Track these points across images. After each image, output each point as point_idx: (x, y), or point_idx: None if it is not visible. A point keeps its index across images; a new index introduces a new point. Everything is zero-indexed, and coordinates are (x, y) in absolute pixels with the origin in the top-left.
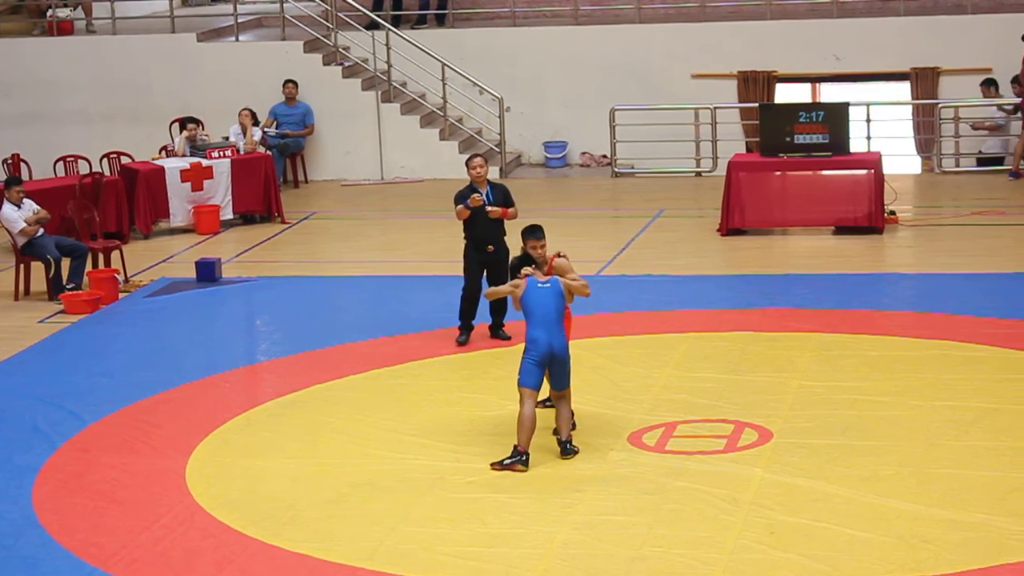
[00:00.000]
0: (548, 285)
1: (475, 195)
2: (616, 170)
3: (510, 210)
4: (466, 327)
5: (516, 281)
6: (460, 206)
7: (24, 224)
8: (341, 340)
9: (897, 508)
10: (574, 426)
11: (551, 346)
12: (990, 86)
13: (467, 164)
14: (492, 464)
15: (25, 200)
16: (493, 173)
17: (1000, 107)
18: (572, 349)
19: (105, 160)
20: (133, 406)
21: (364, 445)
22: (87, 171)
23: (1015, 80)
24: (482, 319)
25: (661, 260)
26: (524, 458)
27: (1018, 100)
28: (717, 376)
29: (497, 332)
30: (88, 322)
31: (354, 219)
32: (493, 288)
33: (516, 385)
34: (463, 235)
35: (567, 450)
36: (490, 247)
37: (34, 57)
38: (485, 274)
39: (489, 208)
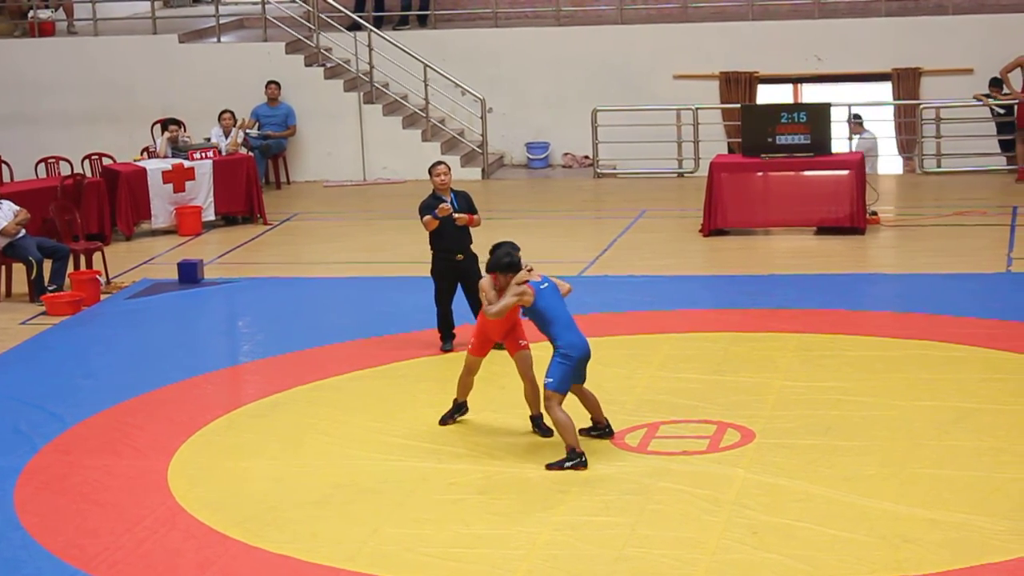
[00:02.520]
0: (547, 285)
1: (443, 204)
2: (598, 171)
3: (475, 217)
4: (448, 336)
5: (522, 289)
6: (428, 217)
7: (5, 224)
8: (324, 341)
9: (879, 508)
10: (551, 432)
11: (585, 349)
12: (995, 86)
13: (430, 172)
14: (548, 465)
15: (3, 201)
16: (475, 174)
17: (992, 108)
18: (552, 349)
19: (87, 161)
20: (115, 408)
21: (347, 446)
22: (69, 172)
23: (995, 83)
24: (462, 320)
25: (643, 261)
26: (584, 457)
27: (1015, 101)
28: (699, 377)
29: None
30: (70, 324)
31: (337, 220)
32: (501, 306)
33: (545, 389)
34: (429, 247)
35: (608, 432)
36: (459, 256)
37: (15, 58)
38: (459, 284)
39: (456, 216)
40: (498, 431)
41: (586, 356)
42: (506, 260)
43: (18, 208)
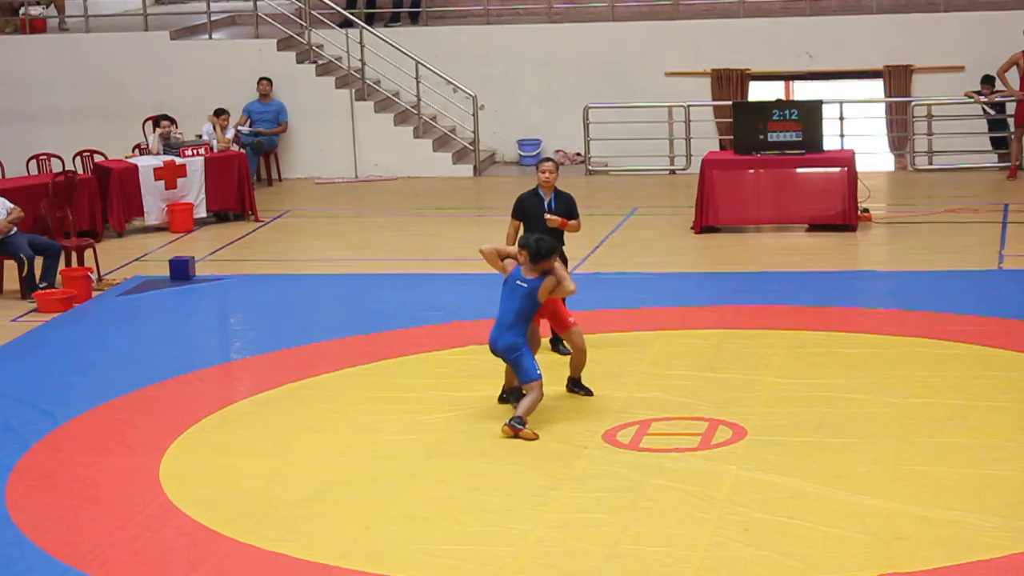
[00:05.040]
0: (525, 285)
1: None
2: (590, 168)
3: (571, 222)
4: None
5: (509, 263)
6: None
7: None
8: (315, 338)
9: (871, 505)
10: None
11: (494, 345)
12: (986, 83)
13: (536, 167)
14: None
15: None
16: (467, 171)
17: (983, 106)
18: (544, 345)
19: (78, 158)
20: (107, 405)
21: (339, 443)
22: (60, 169)
23: (987, 80)
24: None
25: (635, 258)
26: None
27: (1011, 98)
28: (691, 374)
29: (558, 347)
30: (61, 321)
31: (328, 217)
32: (490, 249)
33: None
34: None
35: (517, 422)
36: None
37: (6, 55)
38: None
39: (548, 216)
40: (490, 428)
41: (492, 351)
42: (537, 246)
43: (12, 206)
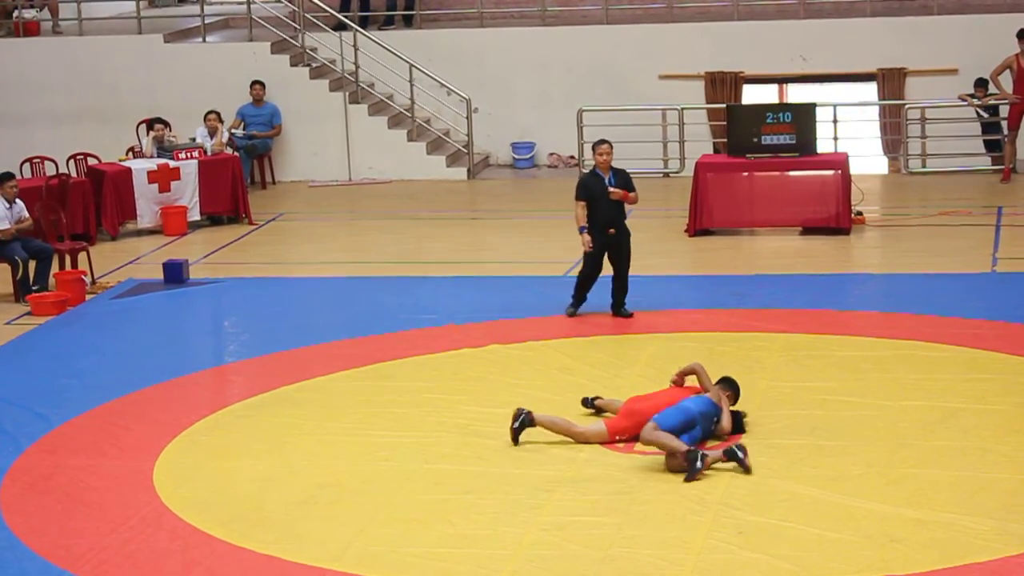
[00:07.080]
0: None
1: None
2: (584, 171)
3: (631, 194)
4: (578, 300)
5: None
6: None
7: (7, 225)
8: (309, 341)
9: (865, 508)
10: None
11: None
12: (980, 86)
13: (593, 149)
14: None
15: (19, 200)
16: (461, 174)
17: (977, 109)
18: (538, 349)
19: (72, 161)
20: (100, 408)
21: (332, 446)
22: (54, 172)
23: (980, 83)
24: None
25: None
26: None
27: (1005, 101)
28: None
29: (619, 310)
30: (55, 324)
31: (322, 220)
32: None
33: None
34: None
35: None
36: (611, 230)
37: (0, 58)
38: (607, 256)
39: (611, 190)
40: (485, 431)
41: None
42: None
43: (26, 215)
